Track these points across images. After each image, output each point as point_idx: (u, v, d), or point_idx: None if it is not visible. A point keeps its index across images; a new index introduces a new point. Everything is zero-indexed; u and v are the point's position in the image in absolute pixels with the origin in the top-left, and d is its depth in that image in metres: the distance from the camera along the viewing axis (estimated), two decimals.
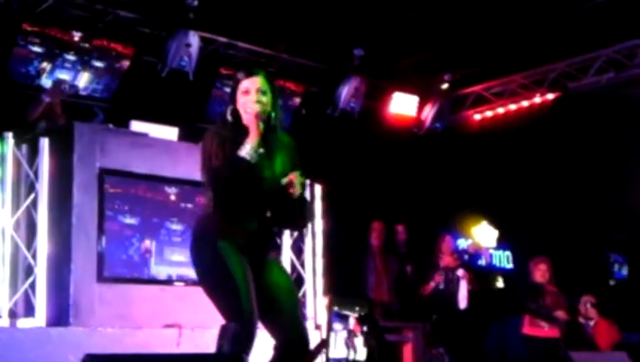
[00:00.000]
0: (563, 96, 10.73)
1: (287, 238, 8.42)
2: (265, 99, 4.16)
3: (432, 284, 9.58)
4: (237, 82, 4.23)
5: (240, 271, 4.04)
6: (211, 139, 4.14)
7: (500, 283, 11.37)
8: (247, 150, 4.05)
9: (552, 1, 9.23)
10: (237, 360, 3.98)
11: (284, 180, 4.16)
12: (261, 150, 4.10)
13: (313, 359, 7.54)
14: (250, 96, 4.15)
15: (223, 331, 4.02)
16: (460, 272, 9.59)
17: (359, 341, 8.12)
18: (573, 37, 9.91)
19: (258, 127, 4.10)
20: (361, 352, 8.10)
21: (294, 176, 4.14)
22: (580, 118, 10.77)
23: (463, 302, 9.53)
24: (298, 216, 4.34)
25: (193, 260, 4.25)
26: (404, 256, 10.21)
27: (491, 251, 11.46)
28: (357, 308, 8.14)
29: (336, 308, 7.97)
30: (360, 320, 8.14)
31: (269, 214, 4.22)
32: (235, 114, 4.21)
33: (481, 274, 10.63)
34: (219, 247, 4.07)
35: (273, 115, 4.22)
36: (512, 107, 11.22)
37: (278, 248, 4.60)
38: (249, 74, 4.23)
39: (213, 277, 4.12)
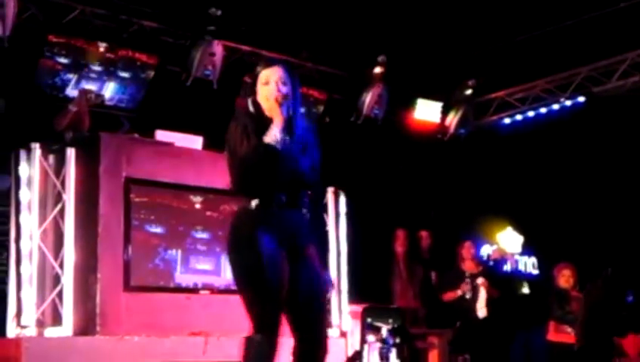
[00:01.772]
0: (588, 100, 10.68)
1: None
2: (285, 89, 4.14)
3: (459, 292, 9.55)
4: (257, 74, 4.21)
5: (274, 274, 3.97)
6: (235, 128, 4.10)
7: (525, 290, 11.30)
8: (272, 136, 4.02)
9: (574, 5, 9.20)
10: None
11: None
12: (286, 137, 4.07)
13: None
14: (271, 86, 4.13)
15: (248, 343, 3.98)
16: (480, 280, 9.55)
17: (393, 353, 8.12)
18: (597, 41, 9.87)
19: (281, 113, 4.07)
20: None
21: None
22: (605, 122, 10.71)
23: (481, 311, 9.48)
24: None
25: (230, 256, 4.15)
26: (428, 262, 10.20)
27: (517, 257, 11.41)
28: (390, 320, 8.13)
29: (369, 320, 7.98)
30: (393, 332, 8.13)
31: (300, 200, 4.19)
32: (256, 105, 4.18)
33: (506, 281, 10.59)
34: (257, 243, 3.99)
35: (294, 104, 4.18)
36: (537, 112, 11.19)
37: (316, 240, 4.39)
38: (269, 65, 4.22)
39: (246, 275, 4.04)
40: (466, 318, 9.50)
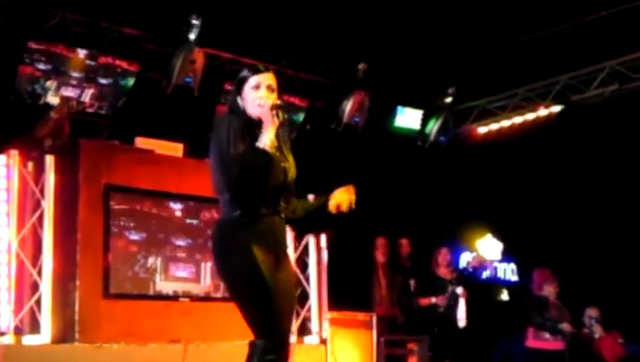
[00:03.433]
0: (567, 108, 10.76)
1: (291, 252, 8.44)
2: (273, 96, 4.15)
3: (433, 300, 9.61)
4: (245, 78, 4.19)
5: (273, 282, 3.98)
6: (227, 127, 4.07)
7: (504, 296, 11.36)
8: (264, 141, 4.01)
9: (554, 14, 9.26)
10: None
11: (337, 198, 4.30)
12: (276, 143, 4.07)
13: None
14: (261, 91, 4.13)
15: (253, 348, 3.96)
16: (460, 290, 9.58)
17: None
18: (577, 50, 9.94)
19: (274, 120, 4.04)
20: None
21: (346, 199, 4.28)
22: (584, 130, 10.78)
23: (462, 321, 9.53)
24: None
25: (222, 268, 4.11)
26: (408, 269, 10.23)
27: (496, 264, 11.46)
28: None
29: None
30: None
31: (284, 206, 4.22)
32: (243, 106, 4.18)
33: (485, 288, 10.64)
34: (251, 251, 3.99)
35: (282, 112, 4.11)
36: (516, 120, 11.26)
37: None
38: (258, 70, 4.21)
39: (246, 286, 4.01)
40: (445, 325, 9.53)
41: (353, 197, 4.34)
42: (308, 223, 4.37)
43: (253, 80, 4.18)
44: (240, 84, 4.22)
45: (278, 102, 4.12)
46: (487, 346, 10.34)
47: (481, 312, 9.76)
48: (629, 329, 9.72)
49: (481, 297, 9.85)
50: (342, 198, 4.33)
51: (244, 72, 4.24)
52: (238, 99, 4.20)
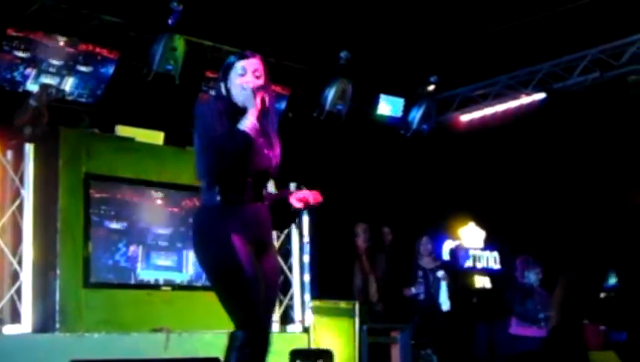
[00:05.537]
0: (549, 96, 10.77)
1: (274, 241, 8.42)
2: (260, 81, 4.11)
3: (413, 290, 9.64)
4: (231, 64, 4.15)
5: (253, 271, 3.92)
6: (210, 110, 4.03)
7: (487, 284, 11.39)
8: (247, 124, 3.96)
9: (536, 1, 9.26)
10: None
11: (297, 195, 4.23)
12: (258, 127, 4.01)
13: None
14: (247, 76, 4.09)
15: (232, 340, 3.91)
16: (441, 274, 9.64)
17: None
18: (559, 37, 9.94)
19: (257, 104, 4.00)
20: None
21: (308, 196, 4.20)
22: (566, 118, 10.80)
23: (445, 303, 9.57)
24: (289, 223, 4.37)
25: (201, 256, 4.07)
26: (390, 257, 10.24)
27: (478, 252, 11.49)
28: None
29: None
30: None
31: (267, 192, 4.18)
32: (228, 93, 4.13)
33: (466, 275, 10.67)
34: (230, 240, 3.93)
35: (267, 97, 4.09)
36: (498, 108, 11.26)
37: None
38: (244, 56, 4.16)
39: (224, 276, 3.96)
40: (427, 312, 9.55)
41: (319, 199, 4.26)
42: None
43: (239, 65, 4.14)
44: (226, 70, 4.17)
45: (261, 84, 4.08)
46: (471, 331, 10.37)
47: (464, 299, 9.79)
48: (612, 317, 9.77)
49: (462, 285, 9.87)
50: (309, 195, 4.26)
51: (231, 59, 4.20)
52: (223, 86, 4.16)
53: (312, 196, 4.26)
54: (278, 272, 4.36)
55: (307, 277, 8.68)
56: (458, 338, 9.76)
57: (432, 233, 10.14)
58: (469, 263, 11.28)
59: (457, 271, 10.02)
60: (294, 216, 4.39)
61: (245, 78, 4.09)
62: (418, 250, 9.89)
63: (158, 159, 7.94)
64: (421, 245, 9.90)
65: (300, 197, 4.27)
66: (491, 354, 10.38)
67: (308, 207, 4.29)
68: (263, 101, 4.03)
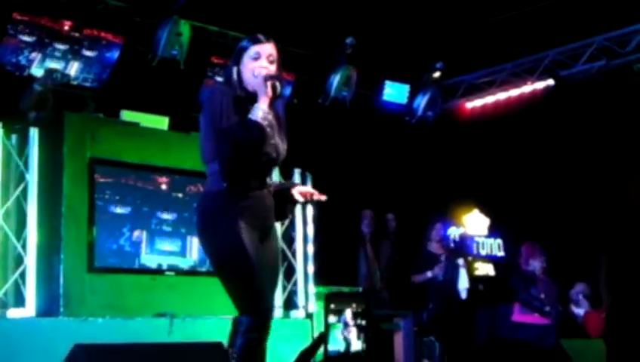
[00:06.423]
0: (555, 84, 10.74)
1: (278, 227, 8.42)
2: (273, 67, 4.03)
3: (429, 274, 9.54)
4: (243, 48, 4.07)
5: (257, 258, 3.90)
6: (220, 97, 3.94)
7: (490, 271, 11.38)
8: (259, 113, 3.89)
9: None
10: (250, 354, 3.88)
11: (300, 189, 4.25)
12: (269, 116, 3.95)
13: (313, 352, 7.60)
14: (261, 61, 4.01)
15: (237, 325, 3.90)
16: (461, 262, 9.58)
17: (354, 333, 8.16)
18: (565, 25, 9.90)
19: (269, 91, 3.93)
20: (356, 344, 8.12)
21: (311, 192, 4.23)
22: (571, 106, 10.77)
23: (464, 292, 9.52)
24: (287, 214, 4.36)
25: (206, 241, 4.02)
26: (394, 244, 10.22)
27: (483, 239, 11.48)
28: (354, 305, 8.15)
29: (332, 306, 8.00)
30: (356, 315, 8.16)
31: (270, 180, 4.14)
32: (239, 76, 4.05)
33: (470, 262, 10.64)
34: (235, 226, 3.89)
35: (279, 84, 4.00)
36: (504, 96, 11.23)
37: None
38: (258, 40, 4.07)
39: (230, 262, 3.92)
40: (443, 300, 9.50)
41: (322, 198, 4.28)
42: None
43: (253, 50, 4.04)
44: (239, 54, 4.08)
45: (273, 72, 4.01)
46: (473, 321, 10.35)
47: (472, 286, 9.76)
48: None
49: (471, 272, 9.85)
50: (312, 191, 4.28)
51: (244, 42, 4.11)
52: (235, 70, 4.07)
53: (316, 193, 4.26)
54: (279, 255, 4.36)
55: (311, 263, 8.70)
56: (463, 325, 9.74)
57: (436, 220, 10.10)
58: (473, 250, 11.26)
59: (467, 259, 9.97)
60: (292, 208, 4.37)
61: (259, 63, 4.02)
62: (429, 235, 9.82)
63: (162, 144, 7.94)
64: (434, 230, 9.83)
65: (303, 191, 4.27)
66: (492, 341, 10.36)
67: (308, 202, 4.28)
68: (274, 89, 3.96)
